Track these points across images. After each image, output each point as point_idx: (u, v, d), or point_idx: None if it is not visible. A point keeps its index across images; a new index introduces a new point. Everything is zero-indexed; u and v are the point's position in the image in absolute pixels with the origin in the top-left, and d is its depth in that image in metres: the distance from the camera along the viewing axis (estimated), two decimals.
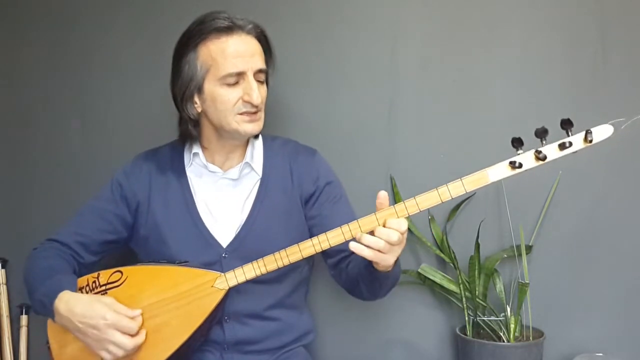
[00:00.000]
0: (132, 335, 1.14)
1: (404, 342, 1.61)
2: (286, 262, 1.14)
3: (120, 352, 1.13)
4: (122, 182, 1.34)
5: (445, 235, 1.52)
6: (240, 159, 1.33)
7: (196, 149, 1.33)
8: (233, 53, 1.22)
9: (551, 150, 1.01)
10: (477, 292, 1.47)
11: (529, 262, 1.49)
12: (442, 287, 1.51)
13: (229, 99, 1.23)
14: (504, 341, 1.42)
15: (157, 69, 1.68)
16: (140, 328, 1.16)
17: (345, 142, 1.61)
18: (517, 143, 1.02)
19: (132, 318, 1.15)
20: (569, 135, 1.00)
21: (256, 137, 1.36)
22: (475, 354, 1.40)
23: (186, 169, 1.34)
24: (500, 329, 1.44)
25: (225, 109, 1.24)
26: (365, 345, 1.62)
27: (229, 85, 1.23)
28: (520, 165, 1.02)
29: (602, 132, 1.00)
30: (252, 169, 1.33)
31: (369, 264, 1.13)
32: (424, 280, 1.53)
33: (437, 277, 1.51)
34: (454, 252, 1.50)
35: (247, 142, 1.35)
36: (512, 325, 1.42)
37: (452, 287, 1.50)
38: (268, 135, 1.40)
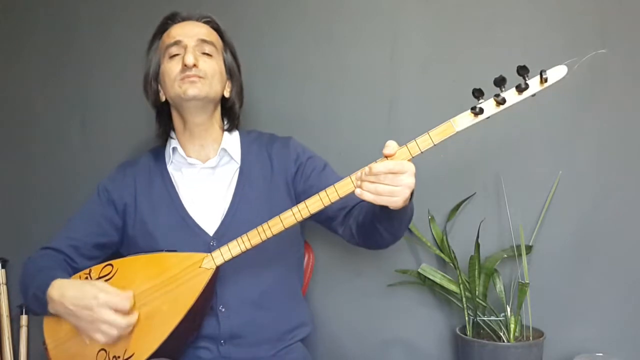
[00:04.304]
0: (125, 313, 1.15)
1: (404, 342, 1.61)
2: (269, 234, 1.15)
3: (114, 331, 1.13)
4: (108, 187, 1.39)
5: (445, 235, 1.52)
6: (216, 149, 1.37)
7: (174, 143, 1.38)
8: (176, 30, 1.34)
9: (510, 94, 1.03)
10: (477, 292, 1.47)
11: (529, 262, 1.49)
12: (442, 287, 1.51)
13: (171, 69, 1.31)
14: (504, 341, 1.42)
15: None
16: (133, 308, 1.16)
17: (345, 142, 1.61)
18: (478, 93, 1.04)
19: (126, 297, 1.16)
20: (525, 80, 1.03)
21: (230, 131, 1.40)
22: (475, 354, 1.40)
23: (167, 167, 1.38)
24: (500, 329, 1.44)
25: (170, 79, 1.31)
26: (365, 345, 1.62)
27: (171, 57, 1.32)
28: (482, 111, 1.04)
29: (556, 72, 1.03)
30: (231, 157, 1.37)
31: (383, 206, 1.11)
32: (424, 280, 1.53)
33: (437, 277, 1.51)
34: (454, 252, 1.50)
35: (222, 132, 1.39)
36: (512, 325, 1.42)
37: (452, 287, 1.50)
38: (243, 129, 1.45)
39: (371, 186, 1.04)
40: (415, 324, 1.60)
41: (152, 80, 1.37)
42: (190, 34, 1.32)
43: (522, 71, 1.02)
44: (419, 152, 1.06)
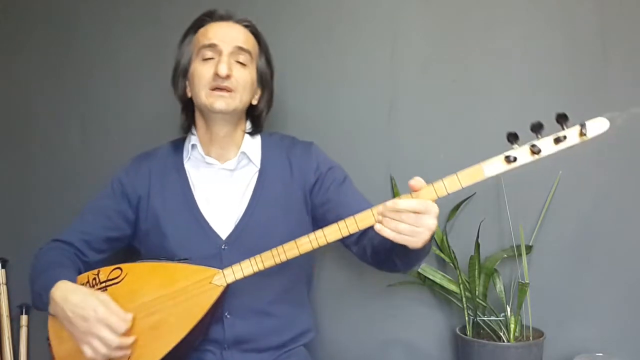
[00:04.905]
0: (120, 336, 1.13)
1: (404, 342, 1.61)
2: (283, 258, 1.14)
3: (103, 349, 1.11)
4: (122, 180, 1.36)
5: (445, 235, 1.52)
6: (236, 151, 1.34)
7: (194, 140, 1.35)
8: (213, 31, 1.30)
9: (546, 145, 0.99)
10: (477, 292, 1.47)
11: (529, 262, 1.49)
12: (442, 287, 1.51)
13: (203, 73, 1.27)
14: (504, 341, 1.42)
15: (157, 70, 1.69)
16: (131, 332, 1.15)
17: (345, 142, 1.61)
18: (512, 138, 1.00)
19: (124, 319, 1.14)
20: (564, 130, 0.98)
21: (252, 135, 1.37)
22: (475, 354, 1.40)
23: (184, 163, 1.36)
24: (500, 329, 1.45)
25: (199, 83, 1.28)
26: (365, 345, 1.62)
27: (204, 59, 1.28)
28: (515, 160, 1.00)
29: (597, 126, 0.98)
30: (250, 160, 1.34)
31: None
32: (424, 280, 1.53)
33: (437, 277, 1.51)
34: (454, 252, 1.50)
35: (243, 135, 1.36)
36: (512, 325, 1.42)
37: (452, 287, 1.50)
38: (265, 131, 1.42)
39: (392, 223, 1.02)
40: (415, 324, 1.60)
41: (181, 75, 1.33)
42: (227, 38, 1.28)
43: (561, 120, 0.97)
44: (446, 193, 1.03)
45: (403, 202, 1.02)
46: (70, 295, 1.15)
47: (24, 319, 1.73)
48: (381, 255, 1.22)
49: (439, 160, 1.57)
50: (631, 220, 1.50)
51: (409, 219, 1.01)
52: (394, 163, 1.60)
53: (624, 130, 1.49)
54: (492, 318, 1.47)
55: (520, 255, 1.46)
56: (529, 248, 1.50)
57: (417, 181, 1.04)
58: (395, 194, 1.57)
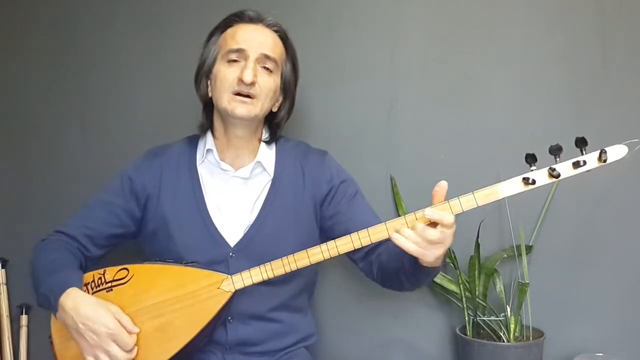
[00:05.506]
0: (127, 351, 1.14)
1: (404, 342, 1.61)
2: (294, 267, 1.14)
3: None
4: (132, 176, 1.34)
5: None
6: (251, 159, 1.33)
7: (210, 144, 1.33)
8: (242, 34, 1.28)
9: (565, 168, 1.01)
10: (477, 292, 1.47)
11: (529, 262, 1.49)
12: (442, 287, 1.51)
13: (226, 76, 1.26)
14: (504, 341, 1.42)
15: (157, 69, 1.69)
16: (134, 346, 1.16)
17: (345, 142, 1.61)
18: (531, 159, 1.01)
19: (131, 334, 1.15)
20: (582, 154, 0.99)
21: (269, 143, 1.36)
22: (475, 354, 1.40)
23: (198, 165, 1.34)
24: (500, 329, 1.45)
25: (222, 86, 1.26)
26: (366, 346, 1.62)
27: (230, 62, 1.27)
28: (534, 182, 1.02)
29: (616, 152, 1.00)
30: (264, 169, 1.33)
31: (413, 259, 1.11)
32: None
33: (437, 277, 1.51)
34: (454, 252, 1.50)
35: (259, 142, 1.35)
36: (512, 325, 1.42)
37: (452, 287, 1.50)
38: (280, 137, 1.40)
39: (409, 232, 1.04)
40: (415, 324, 1.60)
41: (204, 75, 1.31)
42: (254, 43, 1.26)
43: (580, 144, 0.99)
44: (461, 210, 1.05)
45: (429, 210, 1.03)
46: (80, 307, 1.14)
47: (24, 319, 1.72)
48: (389, 273, 1.22)
49: (439, 160, 1.58)
50: (631, 221, 1.50)
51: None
52: (394, 163, 1.60)
53: (624, 131, 1.50)
54: (492, 318, 1.47)
55: (520, 255, 1.46)
56: (529, 248, 1.50)
57: (442, 188, 1.05)
58: (395, 194, 1.57)
